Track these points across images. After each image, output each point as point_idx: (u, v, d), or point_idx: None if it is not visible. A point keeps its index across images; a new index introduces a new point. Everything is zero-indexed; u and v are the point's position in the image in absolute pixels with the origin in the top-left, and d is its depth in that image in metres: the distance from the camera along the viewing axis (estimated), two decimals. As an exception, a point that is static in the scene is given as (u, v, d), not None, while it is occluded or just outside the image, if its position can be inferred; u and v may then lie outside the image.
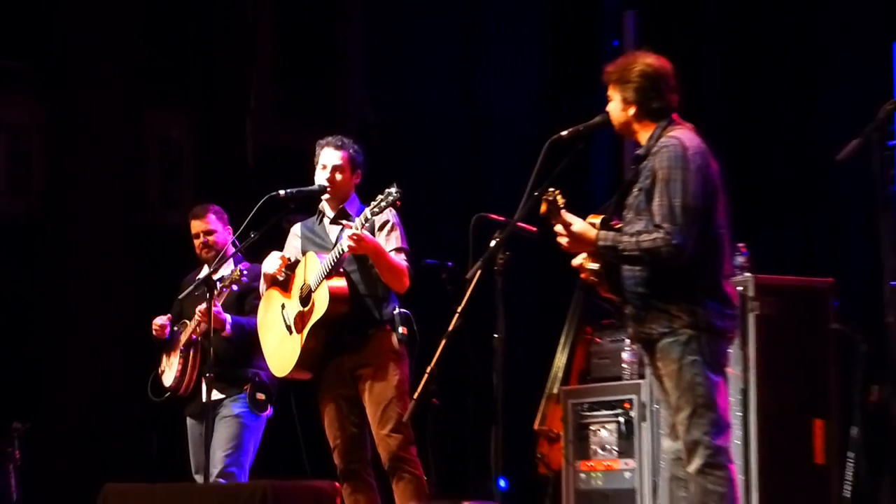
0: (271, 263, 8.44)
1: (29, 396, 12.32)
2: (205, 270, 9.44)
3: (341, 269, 8.12)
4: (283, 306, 8.51)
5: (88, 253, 13.25)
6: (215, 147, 14.29)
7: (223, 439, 9.13)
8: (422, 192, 8.94)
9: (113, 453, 10.45)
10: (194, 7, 14.47)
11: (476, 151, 13.41)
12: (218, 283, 8.88)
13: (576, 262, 7.23)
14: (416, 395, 7.76)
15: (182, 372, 9.28)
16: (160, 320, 9.45)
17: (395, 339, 8.26)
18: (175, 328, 9.42)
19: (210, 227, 9.49)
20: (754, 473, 9.16)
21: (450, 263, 7.93)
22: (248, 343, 9.13)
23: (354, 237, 7.95)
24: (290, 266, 8.43)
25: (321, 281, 8.15)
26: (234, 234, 9.05)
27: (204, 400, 9.12)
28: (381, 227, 8.34)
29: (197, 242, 9.51)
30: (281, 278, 8.42)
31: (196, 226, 9.56)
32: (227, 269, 9.06)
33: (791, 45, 12.20)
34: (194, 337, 9.24)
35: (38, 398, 12.47)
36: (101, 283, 12.81)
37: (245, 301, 9.22)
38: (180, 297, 9.40)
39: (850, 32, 11.57)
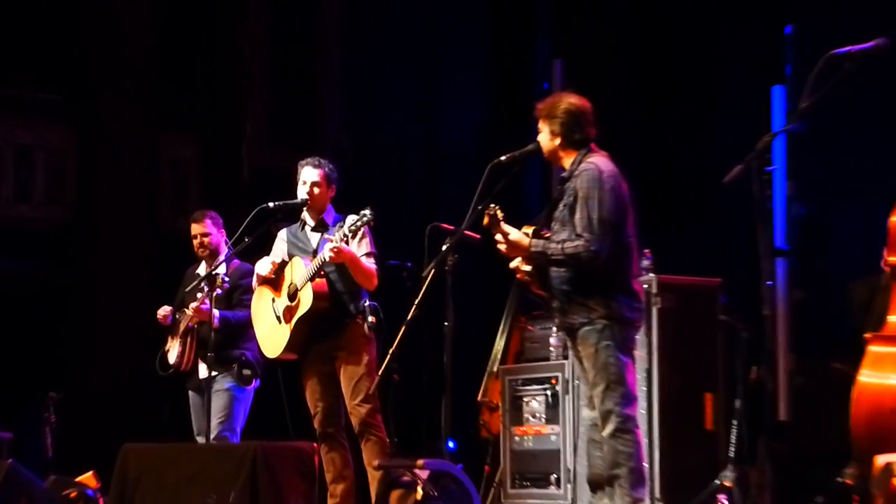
0: (263, 266, 8.49)
1: (62, 372, 12.29)
2: (202, 266, 9.58)
3: (323, 272, 8.15)
4: (273, 300, 8.53)
5: (112, 252, 13.26)
6: (217, 167, 14.29)
7: (217, 409, 9.12)
8: (386, 205, 8.93)
9: (131, 418, 10.42)
10: (201, 51, 14.46)
11: (431, 172, 13.43)
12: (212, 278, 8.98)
13: (512, 264, 7.28)
14: (380, 372, 7.83)
15: (182, 353, 9.29)
16: (163, 311, 9.44)
17: (365, 327, 8.27)
18: (177, 315, 9.41)
19: (206, 230, 9.49)
20: (656, 437, 9.19)
21: (409, 264, 7.94)
22: (234, 330, 9.16)
23: (335, 250, 7.99)
24: (279, 267, 8.48)
25: (306, 282, 8.19)
26: (230, 240, 9.05)
27: (201, 376, 9.26)
28: (354, 235, 8.37)
29: (195, 242, 9.51)
30: (272, 278, 8.47)
31: (195, 228, 9.56)
32: (222, 268, 9.07)
33: (688, 88, 12.25)
34: (191, 325, 9.25)
35: (70, 373, 12.44)
36: (122, 277, 12.81)
37: (232, 297, 9.22)
38: (186, 289, 9.39)
39: (736, 80, 11.62)
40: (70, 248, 13.73)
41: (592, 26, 13.27)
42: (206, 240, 9.50)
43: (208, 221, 9.56)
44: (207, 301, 8.86)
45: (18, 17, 13.93)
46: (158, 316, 9.45)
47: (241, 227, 8.54)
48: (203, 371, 9.23)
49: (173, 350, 9.42)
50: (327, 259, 8.06)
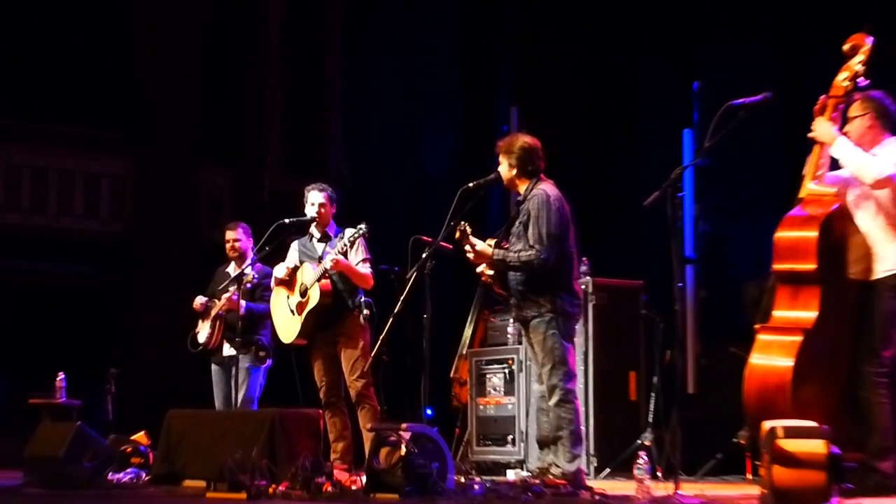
0: (280, 270, 8.49)
1: (120, 352, 12.25)
2: (231, 265, 9.53)
3: (327, 275, 8.14)
4: (287, 297, 8.51)
5: (160, 258, 13.31)
6: (244, 191, 14.31)
7: (239, 383, 9.12)
8: (377, 221, 8.92)
9: (175, 389, 10.40)
10: (232, 100, 14.46)
11: (413, 195, 13.43)
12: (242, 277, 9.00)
13: (478, 269, 7.29)
14: (373, 354, 7.82)
15: (211, 335, 9.25)
16: (199, 300, 9.41)
17: (361, 318, 8.26)
18: (208, 304, 9.39)
19: (238, 236, 9.48)
20: (591, 406, 9.23)
21: (396, 268, 7.90)
22: (255, 319, 9.13)
23: (334, 261, 8.04)
24: (292, 271, 8.49)
25: (314, 283, 8.18)
26: (254, 246, 9.04)
27: (225, 354, 9.25)
28: (353, 245, 8.37)
29: (228, 246, 9.49)
30: (286, 279, 8.47)
31: (229, 234, 9.54)
32: (248, 269, 9.07)
33: (618, 130, 12.27)
34: (221, 312, 9.23)
35: (126, 353, 12.40)
36: (168, 277, 12.81)
37: (255, 292, 9.18)
38: (220, 286, 9.36)
39: (655, 124, 11.63)
40: (127, 254, 13.75)
41: (542, 81, 13.27)
42: (237, 244, 9.48)
43: (240, 230, 9.56)
44: (237, 294, 8.85)
45: (90, 72, 13.92)
46: (195, 304, 9.43)
47: (263, 238, 8.54)
48: (227, 350, 9.21)
49: (203, 332, 9.38)
50: (328, 268, 8.07)
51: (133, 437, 8.62)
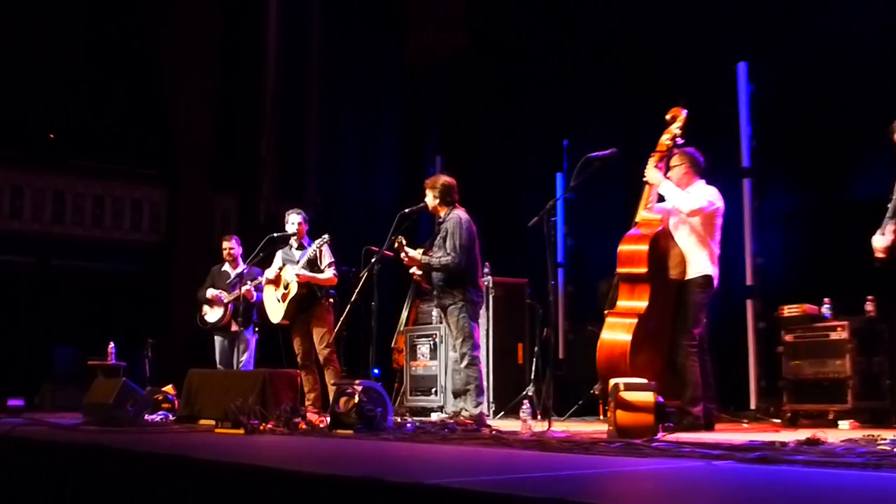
0: (271, 273, 8.49)
1: (156, 328, 12.12)
2: (226, 265, 9.47)
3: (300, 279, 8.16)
4: (274, 290, 8.45)
5: (186, 261, 13.14)
6: (246, 213, 14.18)
7: (241, 351, 9.04)
8: (340, 236, 8.89)
9: (195, 355, 10.26)
10: (239, 142, 14.37)
11: (367, 217, 13.37)
12: (242, 276, 8.98)
13: (411, 270, 7.29)
14: (336, 330, 7.78)
15: (223, 316, 9.17)
16: (212, 292, 9.29)
17: (327, 304, 8.25)
18: (220, 295, 9.28)
19: (232, 245, 9.44)
20: (491, 368, 9.21)
21: (353, 269, 7.88)
22: (253, 306, 9.06)
23: (299, 276, 8.16)
24: (279, 271, 8.43)
25: (293, 279, 8.14)
26: (250, 257, 8.96)
27: (232, 330, 9.15)
28: (321, 252, 8.33)
29: (225, 252, 9.43)
30: (274, 279, 8.42)
31: (225, 244, 9.50)
32: (241, 268, 9.04)
33: (510, 172, 12.31)
34: (230, 303, 9.13)
35: (160, 329, 12.27)
36: (191, 275, 12.49)
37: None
38: (226, 282, 9.27)
39: (537, 168, 11.64)
40: (161, 258, 13.63)
41: (459, 138, 13.31)
42: (231, 251, 9.43)
43: (234, 240, 9.55)
44: (253, 289, 8.77)
45: (136, 124, 13.85)
46: (210, 295, 9.31)
47: (258, 248, 8.49)
48: (233, 327, 9.11)
49: (213, 314, 9.27)
50: (296, 280, 8.14)
51: (163, 389, 8.53)
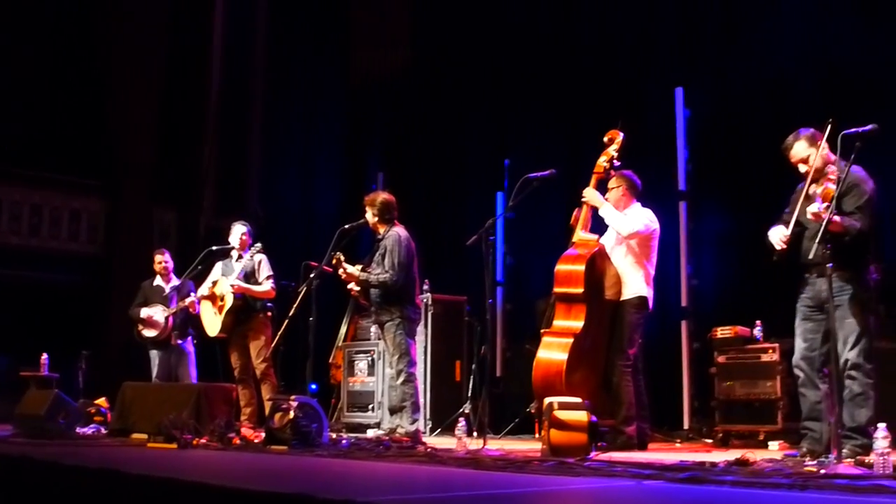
0: (203, 290, 8.43)
1: (91, 339, 11.90)
2: (157, 279, 9.32)
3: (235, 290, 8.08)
4: (210, 305, 8.37)
5: (123, 272, 12.88)
6: (185, 226, 14.03)
7: (183, 364, 8.97)
8: (281, 249, 8.86)
9: (128, 368, 10.12)
10: (179, 155, 14.21)
11: (308, 231, 13.31)
12: (179, 289, 8.95)
13: (350, 286, 7.24)
14: (273, 344, 7.72)
15: (163, 329, 9.04)
16: (146, 312, 9.17)
17: (264, 318, 8.19)
18: (150, 316, 9.16)
19: (167, 259, 9.32)
20: (428, 385, 9.21)
21: (292, 283, 7.82)
22: (191, 318, 8.97)
23: (234, 287, 8.09)
24: (213, 284, 8.35)
25: (229, 291, 8.06)
26: (188, 270, 8.86)
27: (173, 342, 9.03)
28: (260, 264, 8.28)
29: (160, 266, 9.28)
30: (208, 294, 8.34)
31: (159, 258, 9.35)
32: (175, 283, 9.03)
33: (452, 190, 12.33)
34: (171, 316, 9.01)
35: (95, 340, 12.05)
36: (128, 286, 12.29)
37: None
38: (163, 296, 9.16)
39: (478, 188, 11.66)
40: (99, 269, 13.42)
41: (400, 156, 13.30)
42: (164, 265, 9.31)
43: (167, 254, 9.44)
44: (197, 301, 8.66)
45: (76, 134, 13.62)
46: (144, 316, 9.14)
47: (196, 261, 8.42)
48: (172, 339, 9.02)
49: (151, 328, 9.11)
50: (231, 291, 8.07)
51: (96, 402, 8.43)
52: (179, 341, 9.00)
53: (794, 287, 5.62)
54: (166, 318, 9.05)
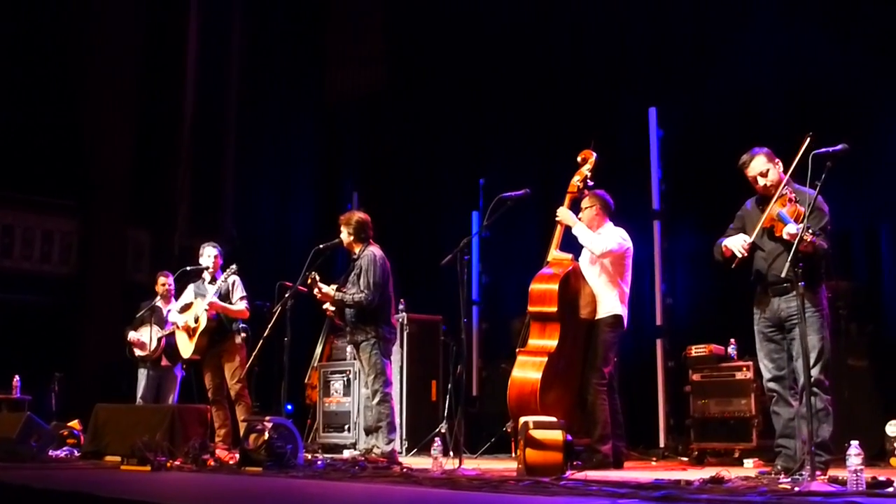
0: (173, 315, 8.44)
1: (63, 361, 11.79)
2: (158, 300, 9.20)
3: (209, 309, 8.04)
4: (186, 326, 8.33)
5: (97, 293, 12.87)
6: (160, 246, 13.92)
7: (171, 388, 8.95)
8: (255, 270, 8.84)
9: (101, 390, 10.05)
10: (153, 176, 14.13)
11: (283, 251, 13.27)
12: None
13: (325, 306, 7.21)
14: (248, 365, 7.68)
15: (156, 350, 8.97)
16: (133, 336, 9.12)
17: (239, 339, 8.14)
18: (138, 338, 9.11)
19: (170, 281, 9.19)
20: (404, 404, 9.21)
21: (267, 304, 7.80)
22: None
23: (210, 304, 8.01)
24: (187, 306, 8.30)
25: (202, 312, 8.03)
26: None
27: (163, 364, 9.03)
28: (234, 285, 8.24)
29: (164, 288, 9.17)
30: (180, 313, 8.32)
31: (163, 279, 9.24)
32: (175, 304, 8.93)
33: (426, 211, 12.31)
34: (164, 339, 8.96)
35: (68, 362, 11.93)
36: (102, 307, 12.40)
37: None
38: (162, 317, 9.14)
39: (452, 207, 11.67)
40: (72, 289, 13.29)
41: (375, 176, 13.33)
42: (169, 287, 9.20)
43: (171, 277, 9.32)
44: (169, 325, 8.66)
45: (50, 155, 13.51)
46: (132, 339, 9.09)
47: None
48: (163, 361, 9.03)
49: (143, 350, 9.05)
50: (207, 308, 8.00)
51: (69, 424, 8.36)
52: (170, 363, 9.00)
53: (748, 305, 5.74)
54: (159, 340, 9.00)
